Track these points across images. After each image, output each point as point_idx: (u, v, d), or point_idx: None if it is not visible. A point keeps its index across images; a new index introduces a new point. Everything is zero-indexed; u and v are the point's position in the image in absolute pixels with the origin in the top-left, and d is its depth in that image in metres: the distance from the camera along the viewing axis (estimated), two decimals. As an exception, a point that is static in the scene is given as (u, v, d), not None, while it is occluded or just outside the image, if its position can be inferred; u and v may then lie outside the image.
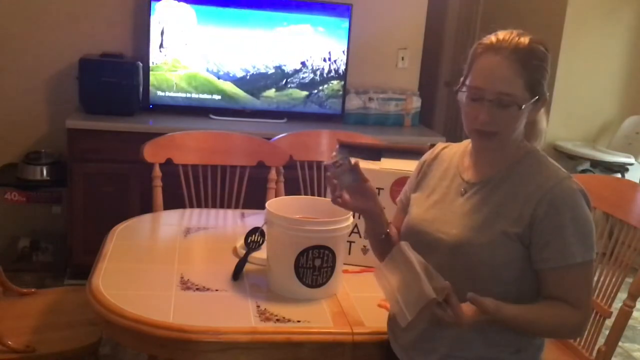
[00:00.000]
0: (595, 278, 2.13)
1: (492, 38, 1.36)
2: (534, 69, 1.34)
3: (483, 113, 1.33)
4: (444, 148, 1.59)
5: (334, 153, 1.56)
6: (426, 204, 1.51)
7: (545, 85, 1.37)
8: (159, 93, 3.52)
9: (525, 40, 1.34)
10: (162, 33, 3.44)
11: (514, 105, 1.33)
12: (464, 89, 1.39)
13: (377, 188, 1.75)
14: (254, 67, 3.60)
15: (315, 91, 3.69)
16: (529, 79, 1.33)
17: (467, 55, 1.41)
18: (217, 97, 3.59)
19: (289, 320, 1.55)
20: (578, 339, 2.13)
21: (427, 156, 1.60)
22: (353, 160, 1.53)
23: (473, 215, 1.40)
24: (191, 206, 2.47)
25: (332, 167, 1.51)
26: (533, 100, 1.35)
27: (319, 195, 2.56)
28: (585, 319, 1.41)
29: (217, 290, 1.69)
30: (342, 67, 3.69)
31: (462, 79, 1.41)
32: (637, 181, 3.07)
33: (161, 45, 3.46)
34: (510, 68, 1.32)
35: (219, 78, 3.57)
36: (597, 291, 2.12)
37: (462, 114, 1.41)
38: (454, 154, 1.55)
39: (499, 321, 1.32)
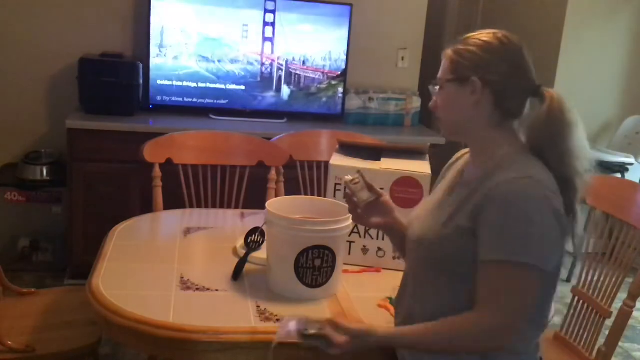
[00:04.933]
0: (595, 278, 2.14)
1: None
2: (464, 53, 1.38)
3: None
4: (464, 154, 1.57)
5: (350, 176, 1.60)
6: (422, 204, 1.58)
7: (475, 70, 1.36)
8: (159, 93, 3.52)
9: (482, 35, 1.39)
10: (162, 33, 3.44)
11: (443, 88, 1.42)
12: None
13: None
14: (254, 67, 3.60)
15: (315, 91, 3.69)
16: (456, 62, 1.39)
17: None
18: (217, 97, 3.60)
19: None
20: (578, 339, 2.13)
21: (450, 161, 1.62)
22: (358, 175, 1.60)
23: (441, 213, 1.41)
24: (191, 206, 2.47)
25: (349, 186, 1.59)
26: (451, 79, 1.39)
27: (319, 195, 2.56)
28: (498, 325, 1.27)
29: (217, 290, 1.69)
30: (342, 67, 3.69)
31: None
32: (637, 181, 3.07)
33: (161, 45, 3.46)
34: (447, 56, 1.41)
35: (219, 78, 3.57)
36: (597, 291, 2.12)
37: None
38: (464, 157, 1.57)
39: (401, 344, 1.38)
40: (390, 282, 1.74)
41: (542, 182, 1.29)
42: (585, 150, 1.37)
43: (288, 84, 3.66)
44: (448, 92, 1.41)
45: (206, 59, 3.53)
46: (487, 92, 1.36)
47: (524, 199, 1.26)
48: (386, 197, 1.63)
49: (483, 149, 1.41)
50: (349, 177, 1.60)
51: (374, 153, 2.01)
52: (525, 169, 1.31)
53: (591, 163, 1.38)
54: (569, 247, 1.41)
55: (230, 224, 2.36)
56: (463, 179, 1.47)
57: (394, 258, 1.90)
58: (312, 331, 1.33)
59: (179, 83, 3.52)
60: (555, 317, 2.00)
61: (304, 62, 3.65)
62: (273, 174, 2.52)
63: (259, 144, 2.60)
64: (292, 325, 1.34)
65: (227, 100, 3.61)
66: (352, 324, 1.35)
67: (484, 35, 1.39)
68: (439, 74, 1.43)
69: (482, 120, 1.39)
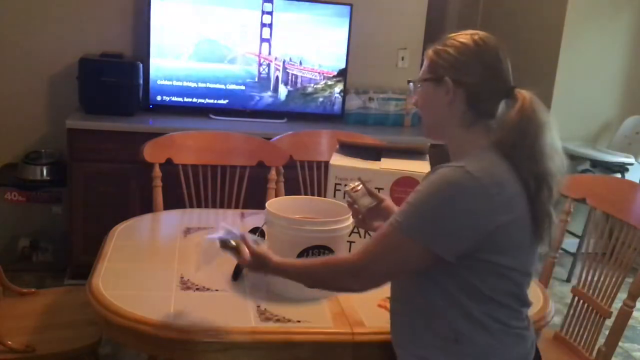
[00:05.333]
0: (595, 278, 2.14)
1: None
2: (442, 54, 1.40)
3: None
4: None
5: (351, 184, 1.63)
6: None
7: (450, 70, 1.37)
8: (159, 93, 3.52)
9: (460, 36, 1.40)
10: (162, 33, 3.44)
11: (417, 86, 1.45)
12: None
13: (376, 188, 1.75)
14: (254, 67, 3.60)
15: (315, 91, 3.69)
16: (434, 62, 1.41)
17: None
18: (217, 97, 3.60)
19: (289, 320, 1.54)
20: (578, 339, 2.13)
21: None
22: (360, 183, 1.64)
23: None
24: (191, 206, 2.47)
25: (350, 193, 1.63)
26: (428, 79, 1.41)
27: (319, 195, 2.56)
28: (354, 266, 1.35)
29: (217, 290, 1.69)
30: (342, 67, 3.69)
31: None
32: (637, 181, 3.07)
33: (161, 45, 3.46)
34: (429, 57, 1.43)
35: (219, 78, 3.57)
36: (597, 291, 2.12)
37: None
38: None
39: (286, 275, 1.47)
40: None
41: (471, 174, 1.27)
42: (558, 151, 1.37)
43: (288, 84, 3.66)
44: (426, 91, 1.43)
45: (206, 59, 3.53)
46: (461, 92, 1.38)
47: (439, 180, 1.29)
48: (387, 201, 1.65)
49: (458, 148, 1.41)
50: (349, 186, 1.64)
51: (374, 153, 2.01)
52: (470, 162, 1.31)
53: (564, 164, 1.38)
54: (542, 248, 1.40)
55: (230, 224, 2.36)
56: None
57: None
58: (231, 243, 1.46)
59: (179, 83, 3.52)
60: (555, 317, 2.00)
61: (303, 63, 3.65)
62: (273, 174, 2.52)
63: (259, 144, 2.60)
64: (220, 234, 1.49)
65: (227, 100, 3.61)
66: (258, 248, 1.47)
67: (462, 36, 1.40)
68: (420, 73, 1.45)
69: (455, 119, 1.40)
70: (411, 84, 1.48)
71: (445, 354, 1.36)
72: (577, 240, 4.05)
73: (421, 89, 1.44)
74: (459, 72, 1.37)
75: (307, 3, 3.59)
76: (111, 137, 3.17)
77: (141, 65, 3.40)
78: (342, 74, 3.70)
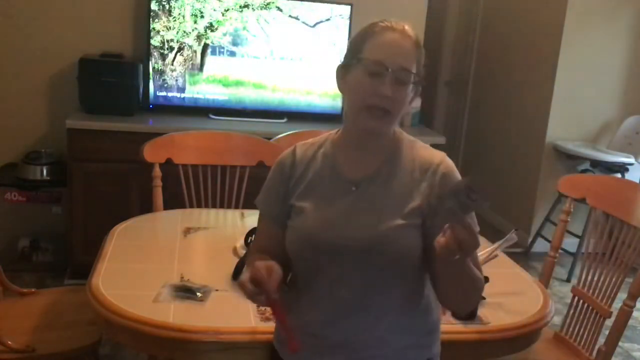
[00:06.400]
0: (595, 278, 2.14)
1: (387, 22, 1.43)
2: (422, 55, 1.38)
3: (385, 86, 1.31)
4: (299, 148, 1.50)
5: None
6: (316, 210, 1.39)
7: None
8: (159, 93, 3.52)
9: (411, 29, 1.40)
10: (161, 33, 3.44)
11: (409, 84, 1.34)
12: (358, 63, 1.35)
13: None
14: (254, 67, 3.60)
15: (315, 91, 3.69)
16: (419, 61, 1.37)
17: (357, 36, 1.43)
18: (216, 96, 3.60)
19: (289, 320, 1.55)
20: (578, 339, 2.14)
21: (287, 160, 1.49)
22: None
23: (373, 214, 1.35)
24: (191, 206, 2.47)
25: None
26: (418, 82, 1.36)
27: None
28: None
29: (217, 290, 1.69)
30: (342, 67, 3.68)
31: (348, 55, 1.40)
32: (637, 181, 3.07)
33: (161, 45, 3.46)
34: (409, 46, 1.36)
35: (218, 78, 3.57)
36: (597, 291, 2.12)
37: (352, 90, 1.37)
38: (319, 153, 1.45)
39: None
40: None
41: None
42: None
43: (288, 83, 3.66)
44: (410, 94, 1.36)
45: (205, 59, 3.53)
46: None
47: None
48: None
49: (385, 134, 1.40)
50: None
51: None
52: (428, 148, 1.43)
53: None
54: None
55: (230, 224, 2.36)
56: (358, 172, 1.39)
57: None
58: None
59: (179, 83, 3.52)
60: (555, 317, 2.00)
61: (303, 62, 3.65)
62: (273, 174, 2.52)
63: (259, 144, 2.60)
64: None
65: (227, 100, 3.61)
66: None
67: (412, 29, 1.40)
68: (405, 64, 1.33)
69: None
70: (404, 73, 1.34)
71: None
72: (577, 240, 4.05)
73: (407, 86, 1.34)
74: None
75: (308, 3, 3.59)
76: (111, 137, 3.18)
77: (141, 66, 3.40)
78: (342, 74, 3.70)
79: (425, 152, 1.42)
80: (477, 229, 1.27)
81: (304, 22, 3.60)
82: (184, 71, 3.52)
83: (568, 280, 3.98)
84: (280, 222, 1.43)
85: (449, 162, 1.39)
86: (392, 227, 1.32)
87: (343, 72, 1.41)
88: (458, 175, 1.38)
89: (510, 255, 2.07)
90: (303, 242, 1.38)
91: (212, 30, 3.50)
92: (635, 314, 2.46)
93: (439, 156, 1.40)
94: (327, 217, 1.37)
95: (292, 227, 1.40)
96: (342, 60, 1.42)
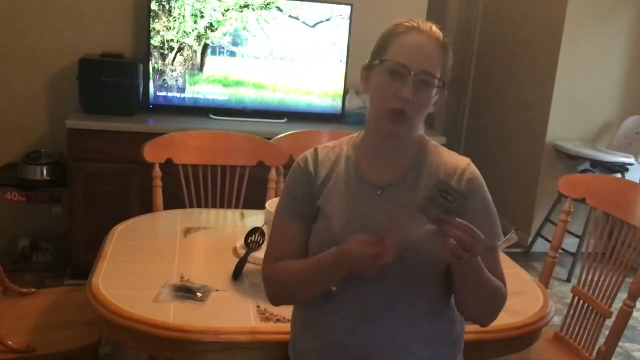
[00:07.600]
0: (595, 278, 2.14)
1: (413, 22, 1.38)
2: (449, 58, 1.34)
3: (406, 89, 1.29)
4: (320, 150, 1.48)
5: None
6: (345, 214, 1.36)
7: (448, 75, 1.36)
8: (159, 93, 3.52)
9: (439, 30, 1.36)
10: (161, 33, 3.44)
11: (433, 87, 1.31)
12: (380, 64, 1.34)
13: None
14: (254, 67, 3.60)
15: (315, 91, 3.69)
16: (445, 65, 1.33)
17: (383, 37, 1.42)
18: (216, 96, 3.60)
19: (289, 321, 1.54)
20: (578, 339, 2.14)
21: (310, 159, 1.45)
22: None
23: (401, 219, 1.30)
24: (191, 206, 2.47)
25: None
26: (443, 86, 1.33)
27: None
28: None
29: (217, 290, 1.69)
30: (342, 67, 3.69)
31: (373, 57, 1.39)
32: (637, 181, 3.07)
33: (161, 45, 3.46)
34: (434, 50, 1.32)
35: (218, 78, 3.57)
36: (597, 291, 2.12)
37: (374, 93, 1.37)
38: (342, 156, 1.43)
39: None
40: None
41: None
42: None
43: (288, 83, 3.66)
44: (433, 98, 1.34)
45: (205, 59, 3.53)
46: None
47: (481, 180, 1.41)
48: None
49: (409, 139, 1.40)
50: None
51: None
52: (453, 154, 1.43)
53: None
54: None
55: (230, 224, 2.36)
56: (383, 178, 1.37)
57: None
58: None
59: (179, 83, 3.52)
60: (555, 317, 2.00)
61: (303, 62, 3.65)
62: (273, 174, 2.52)
63: (259, 144, 2.60)
64: None
65: (227, 100, 3.61)
66: None
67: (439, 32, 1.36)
68: (429, 67, 1.31)
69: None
70: (424, 76, 1.31)
71: None
72: (577, 240, 4.05)
73: (431, 89, 1.32)
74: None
75: (308, 3, 3.59)
76: (111, 137, 3.18)
77: (141, 65, 3.40)
78: (342, 74, 3.70)
79: (450, 157, 1.41)
80: (499, 230, 1.35)
81: (304, 22, 3.60)
82: (184, 71, 3.52)
83: (568, 280, 3.98)
84: (306, 221, 1.39)
85: (474, 168, 1.39)
86: (422, 232, 1.28)
87: (366, 73, 1.40)
88: (482, 181, 1.38)
89: (510, 255, 2.07)
90: (332, 246, 1.30)
91: (212, 30, 3.50)
92: (635, 314, 2.46)
93: (464, 162, 1.40)
94: (354, 221, 1.34)
95: (318, 230, 1.38)
96: (367, 61, 1.40)
